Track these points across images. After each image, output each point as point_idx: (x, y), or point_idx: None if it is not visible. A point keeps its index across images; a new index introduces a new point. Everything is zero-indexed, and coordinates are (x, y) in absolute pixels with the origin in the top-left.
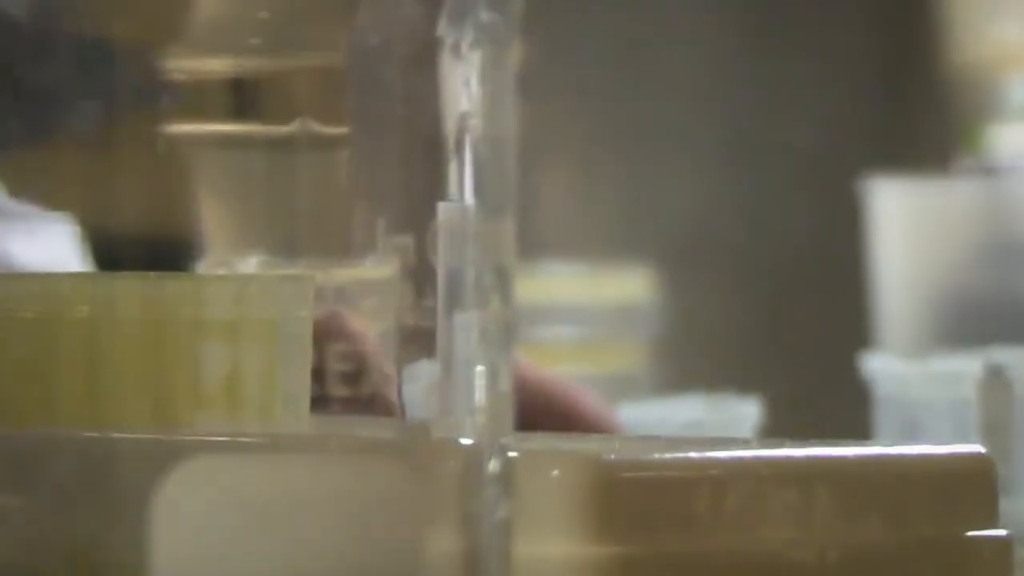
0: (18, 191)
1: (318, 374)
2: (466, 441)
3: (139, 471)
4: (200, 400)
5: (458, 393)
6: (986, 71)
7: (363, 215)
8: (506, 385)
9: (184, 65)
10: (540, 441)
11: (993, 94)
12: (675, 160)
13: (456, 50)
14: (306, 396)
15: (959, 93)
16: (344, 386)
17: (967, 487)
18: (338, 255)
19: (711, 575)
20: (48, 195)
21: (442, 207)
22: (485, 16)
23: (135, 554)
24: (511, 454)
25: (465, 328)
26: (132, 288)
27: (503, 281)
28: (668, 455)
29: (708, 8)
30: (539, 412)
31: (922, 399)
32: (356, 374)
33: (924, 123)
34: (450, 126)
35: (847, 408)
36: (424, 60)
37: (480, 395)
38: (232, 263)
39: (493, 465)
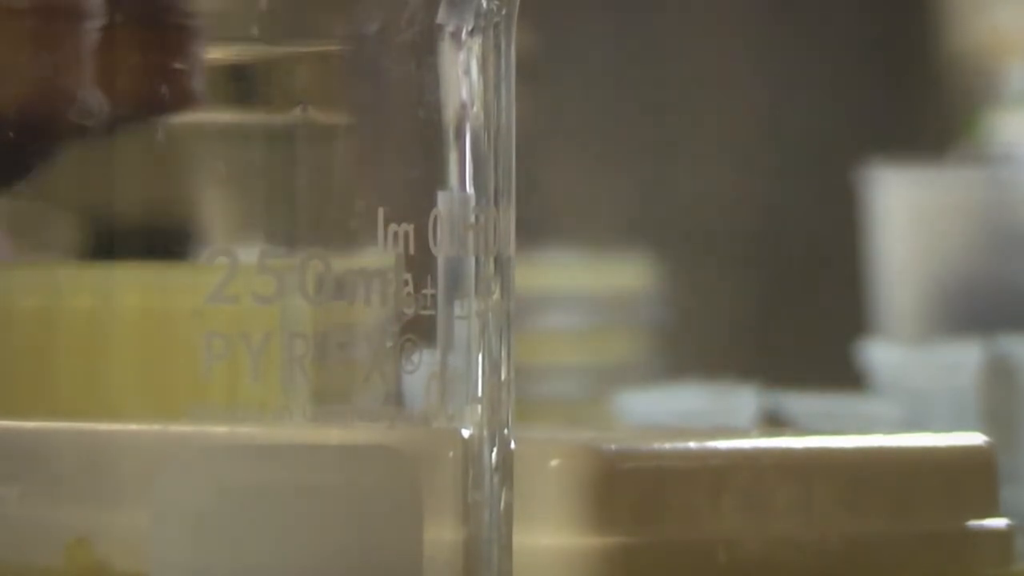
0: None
1: None
2: (466, 431)
3: (138, 462)
4: (199, 389)
5: (458, 382)
6: (985, 58)
7: (363, 204)
8: (506, 375)
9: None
10: (541, 431)
11: (992, 81)
12: (675, 148)
13: (456, 37)
14: (306, 386)
15: (958, 81)
16: None
17: (968, 477)
18: (338, 244)
19: (711, 566)
20: (47, 185)
21: (442, 196)
22: (486, 3)
23: (134, 545)
24: (511, 444)
25: (465, 317)
26: (132, 277)
27: (503, 270)
28: (668, 445)
29: None
30: None
31: (922, 387)
32: None
33: (923, 111)
34: (450, 114)
35: (847, 396)
36: (424, 48)
37: (480, 385)
38: (232, 252)
39: (493, 455)
